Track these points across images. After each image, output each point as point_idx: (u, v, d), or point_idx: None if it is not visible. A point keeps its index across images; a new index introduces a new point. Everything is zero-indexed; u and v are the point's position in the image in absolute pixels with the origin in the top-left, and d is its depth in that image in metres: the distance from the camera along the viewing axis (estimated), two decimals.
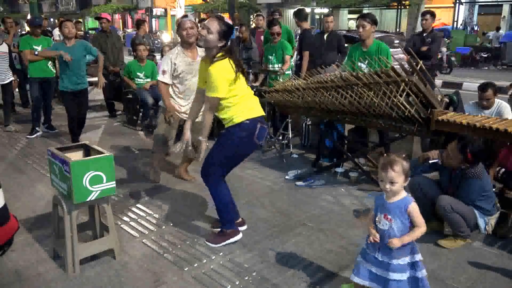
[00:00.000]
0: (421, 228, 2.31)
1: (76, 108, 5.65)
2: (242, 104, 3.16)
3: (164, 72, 4.11)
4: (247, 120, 3.14)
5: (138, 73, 6.76)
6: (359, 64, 4.40)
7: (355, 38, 7.93)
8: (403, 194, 2.34)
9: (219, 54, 3.07)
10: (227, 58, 3.05)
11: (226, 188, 3.30)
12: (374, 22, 4.50)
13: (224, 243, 3.25)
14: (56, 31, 9.59)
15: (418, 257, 2.36)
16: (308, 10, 18.74)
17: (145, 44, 7.09)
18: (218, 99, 3.06)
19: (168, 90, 4.19)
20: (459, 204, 3.17)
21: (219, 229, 3.36)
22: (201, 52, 4.14)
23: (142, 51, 6.72)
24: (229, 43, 3.12)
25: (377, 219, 2.39)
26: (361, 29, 4.46)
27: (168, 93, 4.19)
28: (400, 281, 2.32)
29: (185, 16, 4.22)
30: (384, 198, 2.39)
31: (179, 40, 4.30)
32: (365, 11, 22.27)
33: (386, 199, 2.37)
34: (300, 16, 6.70)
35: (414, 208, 2.30)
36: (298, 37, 6.97)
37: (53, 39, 7.82)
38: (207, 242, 3.31)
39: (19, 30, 10.57)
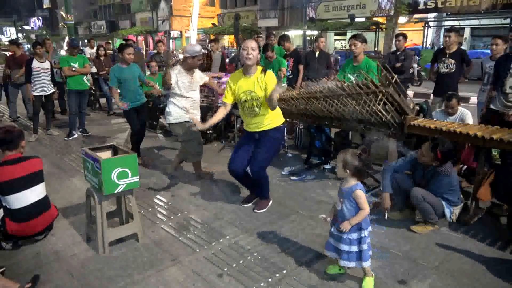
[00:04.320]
0: (364, 210, 2.37)
1: (138, 122, 4.92)
2: (278, 109, 3.37)
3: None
4: (282, 124, 3.42)
5: None
6: (349, 75, 4.39)
7: None
8: (353, 182, 2.41)
9: (260, 68, 3.24)
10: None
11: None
12: (364, 41, 4.52)
13: (268, 205, 3.64)
14: (88, 50, 9.64)
15: (364, 233, 2.39)
16: (300, 32, 18.77)
17: (157, 61, 7.47)
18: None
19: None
20: (429, 196, 3.14)
21: (261, 200, 3.65)
22: (199, 73, 4.23)
23: (154, 67, 7.18)
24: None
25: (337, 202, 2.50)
26: (353, 47, 4.47)
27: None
28: (350, 252, 2.40)
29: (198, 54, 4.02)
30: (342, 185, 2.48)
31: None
32: (349, 33, 22.30)
33: (341, 186, 2.47)
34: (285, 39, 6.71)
35: (358, 194, 2.37)
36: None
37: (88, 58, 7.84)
38: (257, 211, 3.56)
39: (59, 50, 10.57)
